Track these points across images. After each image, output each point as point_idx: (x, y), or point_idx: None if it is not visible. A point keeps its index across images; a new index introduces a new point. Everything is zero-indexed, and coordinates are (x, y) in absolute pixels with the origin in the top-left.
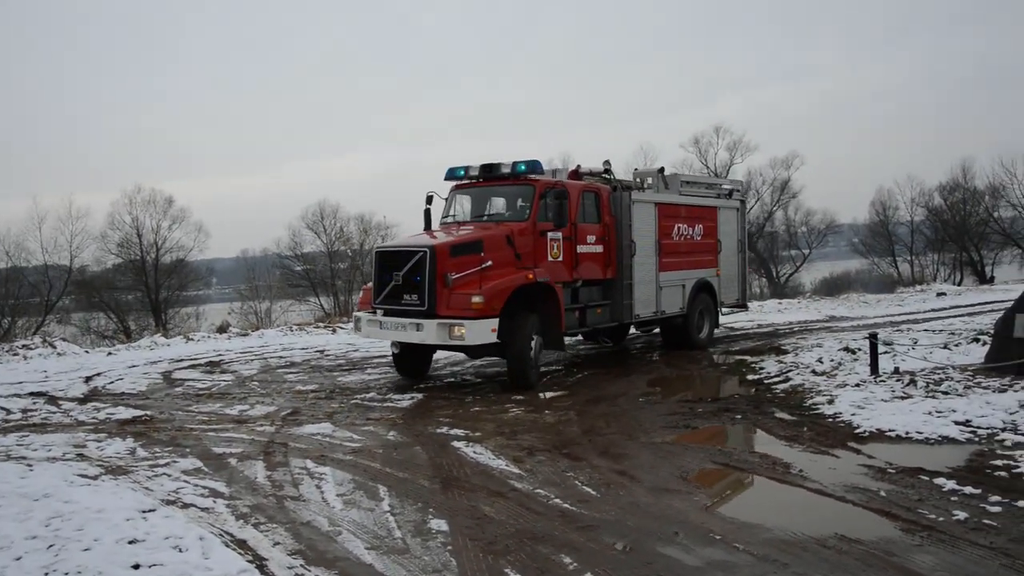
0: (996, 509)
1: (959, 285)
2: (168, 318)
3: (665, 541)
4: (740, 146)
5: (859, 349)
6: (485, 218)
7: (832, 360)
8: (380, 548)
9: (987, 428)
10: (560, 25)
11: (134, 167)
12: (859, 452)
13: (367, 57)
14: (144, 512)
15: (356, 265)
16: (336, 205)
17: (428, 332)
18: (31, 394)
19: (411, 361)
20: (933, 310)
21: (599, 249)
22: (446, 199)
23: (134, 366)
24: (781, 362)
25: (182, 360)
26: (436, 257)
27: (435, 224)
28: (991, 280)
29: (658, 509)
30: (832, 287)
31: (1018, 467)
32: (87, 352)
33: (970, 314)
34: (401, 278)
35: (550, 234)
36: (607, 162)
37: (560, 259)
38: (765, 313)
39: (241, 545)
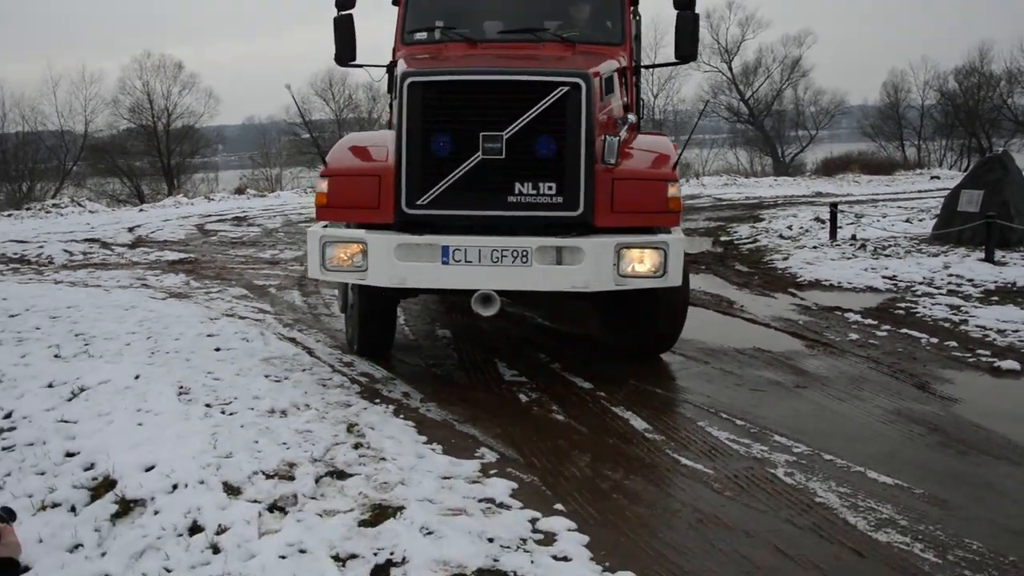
0: (883, 334)
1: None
2: (180, 183)
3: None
4: (752, 22)
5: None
6: (531, 37)
7: (801, 227)
8: (399, 345)
9: (907, 282)
10: None
11: (145, 29)
12: (795, 295)
13: None
14: (212, 319)
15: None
16: (345, 71)
17: (592, 265)
18: (85, 240)
19: (384, 324)
20: (920, 191)
21: None
22: None
23: (168, 220)
24: (754, 228)
25: (210, 215)
26: (592, 101)
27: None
28: None
29: None
30: (832, 167)
31: (915, 308)
32: (114, 210)
33: None
34: (504, 144)
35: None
36: None
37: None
38: (756, 188)
39: (291, 340)
